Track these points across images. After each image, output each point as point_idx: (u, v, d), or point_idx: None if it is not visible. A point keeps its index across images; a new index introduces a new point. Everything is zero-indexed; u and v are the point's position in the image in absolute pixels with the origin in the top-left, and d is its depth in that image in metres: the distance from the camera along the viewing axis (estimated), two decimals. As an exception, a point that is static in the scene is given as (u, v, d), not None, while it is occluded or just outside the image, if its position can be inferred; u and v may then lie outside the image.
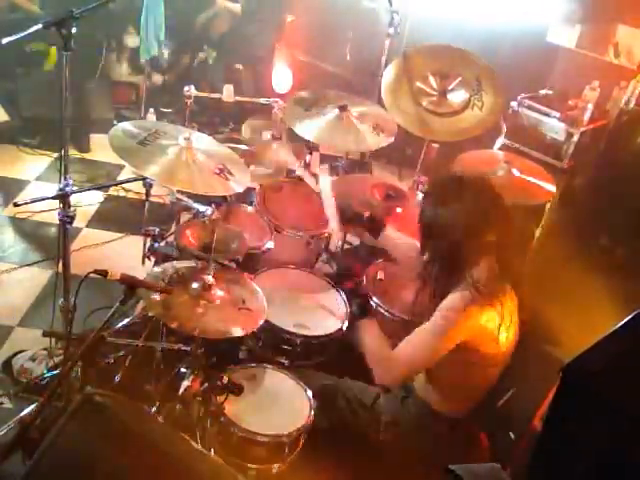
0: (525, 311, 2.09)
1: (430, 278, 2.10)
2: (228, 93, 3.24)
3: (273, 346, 2.46)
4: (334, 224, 2.63)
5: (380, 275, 2.74)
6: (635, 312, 1.29)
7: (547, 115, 3.96)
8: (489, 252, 2.00)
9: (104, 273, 1.80)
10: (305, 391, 2.22)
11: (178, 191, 2.68)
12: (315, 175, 3.14)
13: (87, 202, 4.05)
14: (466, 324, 1.94)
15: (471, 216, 1.98)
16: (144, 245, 2.71)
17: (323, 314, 2.60)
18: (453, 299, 1.96)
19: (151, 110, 5.02)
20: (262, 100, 3.28)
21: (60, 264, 2.47)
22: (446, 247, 2.01)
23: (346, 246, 3.54)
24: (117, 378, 2.58)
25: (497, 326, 1.96)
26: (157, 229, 2.66)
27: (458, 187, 2.03)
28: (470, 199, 1.99)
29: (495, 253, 2.00)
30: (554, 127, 3.93)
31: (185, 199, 2.70)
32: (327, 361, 2.52)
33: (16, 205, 2.30)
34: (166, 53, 5.01)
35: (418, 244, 2.16)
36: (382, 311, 2.56)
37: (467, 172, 2.16)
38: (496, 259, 2.00)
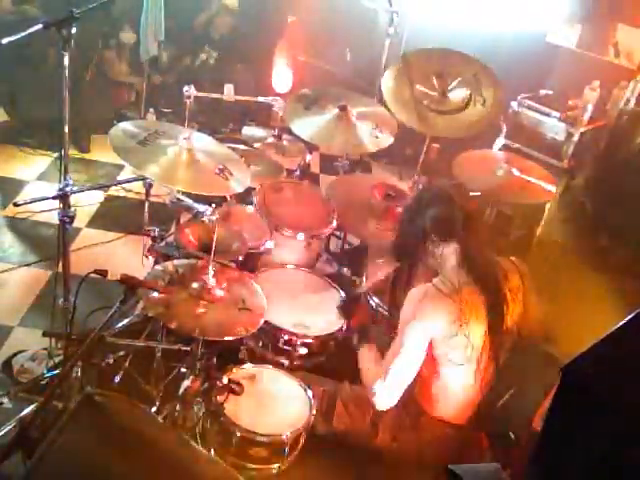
0: (511, 315, 2.10)
1: (400, 278, 2.22)
2: (228, 93, 3.24)
3: (273, 346, 2.46)
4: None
5: (380, 275, 2.74)
6: (635, 312, 1.29)
7: (547, 115, 3.96)
8: (454, 250, 2.09)
9: (104, 273, 1.81)
10: (305, 391, 2.22)
11: (178, 191, 2.68)
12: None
13: (87, 202, 4.05)
14: (426, 317, 2.00)
15: (438, 218, 2.09)
16: (144, 245, 2.71)
17: (323, 314, 2.59)
18: (408, 297, 2.05)
19: (151, 110, 5.02)
20: (262, 99, 3.28)
21: (60, 264, 2.47)
22: (413, 246, 2.15)
23: (346, 246, 3.55)
24: (117, 378, 2.58)
25: (457, 317, 1.98)
26: (157, 229, 2.66)
27: (429, 194, 2.20)
28: (437, 203, 2.12)
29: (461, 252, 2.08)
30: (554, 127, 3.93)
31: (185, 199, 2.70)
32: (327, 361, 2.52)
33: (16, 205, 2.30)
34: (166, 53, 5.01)
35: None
36: (382, 311, 2.57)
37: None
38: (462, 257, 2.08)
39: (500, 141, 4.09)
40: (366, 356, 2.21)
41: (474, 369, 2.08)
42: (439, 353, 2.04)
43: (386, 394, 2.06)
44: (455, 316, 1.98)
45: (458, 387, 2.11)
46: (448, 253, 2.10)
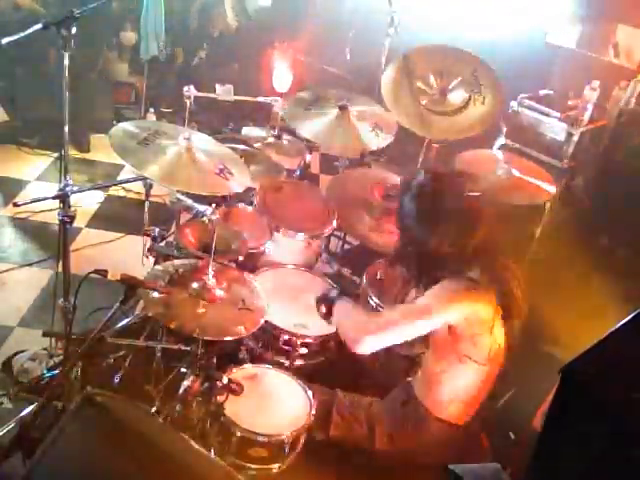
0: (519, 316, 2.10)
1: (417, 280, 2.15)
2: (228, 93, 3.24)
3: (273, 346, 2.46)
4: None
5: (380, 275, 2.74)
6: (635, 312, 1.29)
7: (547, 115, 3.96)
8: (479, 256, 2.04)
9: (104, 273, 1.80)
10: (305, 391, 2.22)
11: (178, 191, 2.68)
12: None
13: (87, 202, 4.06)
14: (458, 305, 1.96)
15: (452, 226, 2.02)
16: (144, 245, 2.70)
17: (323, 314, 2.59)
18: (450, 282, 1.98)
19: (151, 110, 5.03)
20: (262, 99, 3.28)
21: (60, 264, 2.47)
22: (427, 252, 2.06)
23: (346, 246, 3.55)
24: (117, 378, 2.58)
25: (491, 317, 1.97)
26: (157, 229, 2.66)
27: (433, 195, 2.08)
28: (447, 208, 2.03)
29: (482, 257, 2.04)
30: (554, 127, 3.93)
31: (185, 199, 2.70)
32: (327, 361, 2.52)
33: (16, 205, 2.30)
34: (166, 53, 5.01)
35: None
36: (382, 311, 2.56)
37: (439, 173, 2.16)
38: (482, 264, 2.04)
39: (500, 141, 4.09)
40: (348, 306, 2.12)
41: (490, 370, 2.08)
42: (464, 353, 2.01)
43: (372, 347, 1.97)
44: (487, 315, 1.97)
45: (471, 388, 2.10)
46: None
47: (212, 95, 3.23)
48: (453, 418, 2.13)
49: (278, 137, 3.39)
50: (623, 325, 1.26)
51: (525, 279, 2.13)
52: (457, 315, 1.97)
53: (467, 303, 1.96)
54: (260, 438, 2.03)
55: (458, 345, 2.01)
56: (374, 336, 1.95)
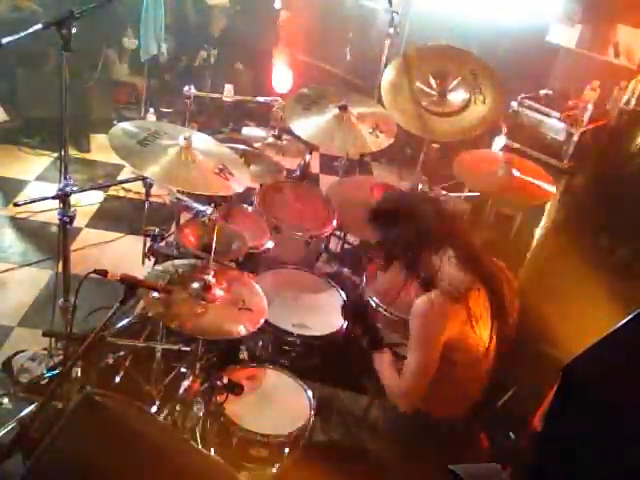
0: (511, 311, 2.10)
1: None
2: (228, 93, 3.24)
3: (273, 346, 2.46)
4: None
5: (380, 275, 2.74)
6: (635, 312, 1.29)
7: (547, 115, 3.97)
8: (443, 251, 2.06)
9: (104, 273, 1.80)
10: (305, 391, 2.22)
11: (178, 191, 2.68)
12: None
13: (87, 202, 4.05)
14: (437, 327, 1.97)
15: (415, 227, 2.06)
16: (144, 245, 2.70)
17: (323, 314, 2.60)
18: (415, 311, 2.01)
19: (151, 110, 5.02)
20: (262, 99, 3.28)
21: (60, 264, 2.47)
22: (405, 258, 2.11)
23: (346, 246, 3.54)
24: (117, 378, 2.58)
25: (467, 320, 1.98)
26: (157, 229, 2.66)
27: (396, 208, 2.13)
28: (410, 214, 2.09)
29: (459, 255, 2.05)
30: (554, 127, 3.93)
31: (185, 199, 2.70)
32: (327, 361, 2.52)
33: (16, 205, 2.30)
34: (166, 53, 5.01)
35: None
36: (382, 311, 2.57)
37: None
38: (462, 260, 2.04)
39: (500, 141, 4.09)
40: (383, 361, 2.18)
41: (481, 368, 2.08)
42: (453, 358, 2.02)
43: (410, 404, 2.06)
44: (465, 319, 1.98)
45: (465, 387, 2.11)
46: (445, 259, 2.07)
47: (212, 95, 3.23)
48: (449, 418, 2.14)
49: (278, 137, 3.39)
50: (623, 325, 1.26)
51: (524, 279, 2.13)
52: (442, 329, 1.98)
53: (447, 317, 1.98)
54: (260, 438, 2.04)
55: (446, 350, 2.01)
56: (406, 398, 2.05)
